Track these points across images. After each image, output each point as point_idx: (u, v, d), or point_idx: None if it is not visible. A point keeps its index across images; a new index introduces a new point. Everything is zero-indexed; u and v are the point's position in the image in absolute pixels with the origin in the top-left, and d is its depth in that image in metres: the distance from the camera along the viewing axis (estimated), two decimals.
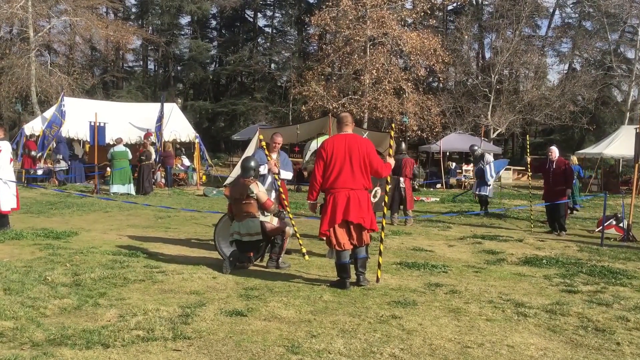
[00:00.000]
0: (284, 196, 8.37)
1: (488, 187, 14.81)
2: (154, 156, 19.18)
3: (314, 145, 25.21)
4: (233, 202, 7.37)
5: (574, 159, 20.15)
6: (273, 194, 8.33)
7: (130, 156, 17.98)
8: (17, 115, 35.69)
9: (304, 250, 8.01)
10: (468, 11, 37.64)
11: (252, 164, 7.43)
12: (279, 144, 8.56)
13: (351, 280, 6.28)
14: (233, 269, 7.03)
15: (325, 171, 6.22)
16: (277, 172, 8.28)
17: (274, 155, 8.41)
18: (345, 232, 6.17)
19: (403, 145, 12.98)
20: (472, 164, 23.56)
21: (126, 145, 18.80)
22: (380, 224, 6.79)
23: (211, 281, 6.46)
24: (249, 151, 22.77)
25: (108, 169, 20.48)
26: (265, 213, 7.40)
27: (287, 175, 8.76)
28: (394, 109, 28.63)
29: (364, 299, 5.88)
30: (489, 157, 15.24)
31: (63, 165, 19.79)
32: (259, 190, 7.24)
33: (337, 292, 6.10)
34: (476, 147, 16.26)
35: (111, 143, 19.77)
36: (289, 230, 7.45)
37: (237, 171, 22.79)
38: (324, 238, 6.33)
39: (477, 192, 15.21)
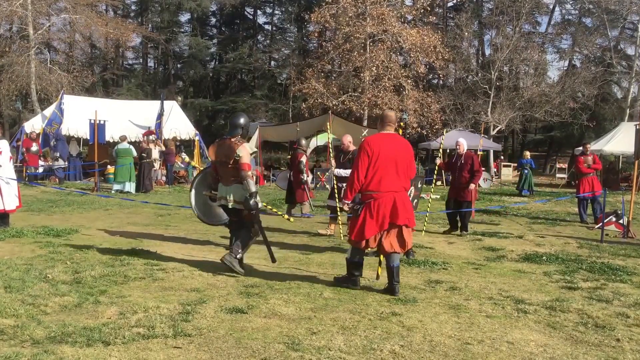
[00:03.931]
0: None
1: None
2: (154, 154, 19.19)
3: (314, 142, 25.24)
4: (218, 165, 6.76)
5: (527, 153, 22.60)
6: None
7: (134, 153, 18.02)
8: (17, 113, 35.70)
9: (287, 217, 8.52)
10: (468, 8, 37.59)
11: (242, 120, 6.80)
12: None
13: (384, 288, 6.03)
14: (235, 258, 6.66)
15: (369, 173, 5.83)
16: None
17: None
18: (388, 235, 5.86)
19: None
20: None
21: (130, 143, 18.81)
22: None
23: (211, 278, 6.46)
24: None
25: (109, 166, 20.52)
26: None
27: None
28: (394, 106, 28.60)
29: (364, 296, 5.89)
30: None
31: (61, 163, 19.81)
32: (245, 152, 6.58)
33: (338, 290, 6.11)
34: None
35: (111, 141, 19.81)
36: (256, 228, 6.88)
37: None
38: (363, 243, 5.92)
39: None
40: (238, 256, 6.62)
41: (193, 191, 7.33)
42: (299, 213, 12.37)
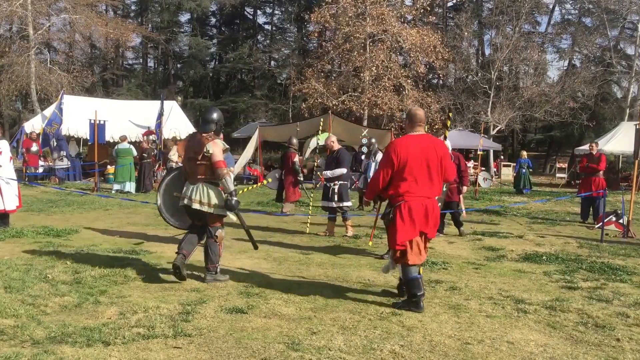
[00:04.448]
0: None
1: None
2: (154, 152, 19.19)
3: (314, 142, 25.22)
4: (187, 161, 6.32)
5: (524, 153, 22.99)
6: None
7: (135, 153, 18.02)
8: (17, 113, 35.72)
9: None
10: (468, 8, 37.59)
11: (215, 116, 6.30)
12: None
13: (403, 302, 5.49)
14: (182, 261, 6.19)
15: (396, 177, 5.43)
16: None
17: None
18: (420, 244, 5.47)
19: None
20: (476, 162, 23.69)
21: (130, 143, 18.80)
22: None
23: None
24: (249, 149, 22.84)
25: (109, 166, 20.51)
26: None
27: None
28: (394, 106, 28.63)
29: (364, 296, 5.89)
30: (380, 156, 14.89)
31: (65, 162, 19.81)
32: (216, 148, 6.09)
33: (337, 289, 6.11)
34: (374, 140, 15.44)
35: (111, 141, 19.79)
36: (221, 233, 6.43)
37: (237, 168, 22.89)
38: (397, 252, 5.47)
39: (364, 189, 14.60)
40: (217, 270, 6.31)
41: (162, 191, 6.79)
42: (279, 212, 12.52)
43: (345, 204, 10.02)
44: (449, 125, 6.41)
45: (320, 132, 12.78)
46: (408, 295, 5.50)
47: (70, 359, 3.99)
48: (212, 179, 6.14)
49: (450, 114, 6.78)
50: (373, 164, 14.14)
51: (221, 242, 6.41)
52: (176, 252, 6.22)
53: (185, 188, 6.27)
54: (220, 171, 6.04)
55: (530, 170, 22.80)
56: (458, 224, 10.54)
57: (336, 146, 10.28)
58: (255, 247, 6.93)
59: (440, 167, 5.44)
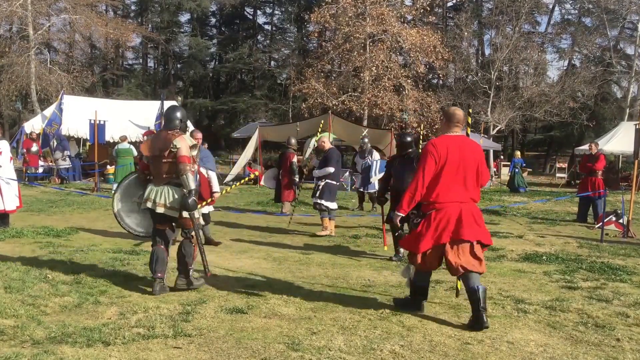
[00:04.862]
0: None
1: (373, 184, 14.05)
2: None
3: (314, 142, 25.22)
4: (152, 161, 5.88)
5: (517, 153, 23.67)
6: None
7: (135, 153, 18.01)
8: (17, 114, 35.71)
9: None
10: (467, 8, 37.57)
11: (179, 113, 5.99)
12: (199, 138, 8.43)
13: (469, 321, 5.07)
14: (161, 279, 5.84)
15: (431, 179, 5.09)
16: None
17: (194, 152, 8.30)
18: (453, 251, 5.06)
19: (408, 138, 9.48)
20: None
21: (130, 143, 18.80)
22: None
23: (211, 278, 6.45)
24: (249, 149, 22.85)
25: (108, 166, 20.50)
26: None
27: (211, 174, 8.52)
28: (394, 106, 28.62)
29: (364, 296, 5.89)
30: (377, 155, 14.83)
31: (67, 162, 19.80)
32: (183, 143, 5.75)
33: (338, 289, 6.12)
34: (367, 140, 15.53)
35: (111, 141, 19.78)
36: (195, 235, 6.04)
37: (237, 168, 22.92)
38: (418, 258, 5.14)
39: (363, 190, 14.51)
40: (190, 272, 5.89)
41: (118, 196, 6.31)
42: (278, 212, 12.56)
43: (325, 202, 10.01)
44: (469, 122, 6.15)
45: (319, 132, 12.78)
46: (412, 295, 5.42)
47: (70, 359, 3.99)
48: (177, 178, 5.76)
49: (470, 110, 6.59)
50: (375, 164, 14.14)
51: (195, 245, 5.96)
52: (152, 277, 5.85)
53: (148, 190, 5.85)
54: (183, 166, 5.65)
55: (524, 169, 23.47)
56: None
57: (327, 146, 10.35)
58: (206, 273, 5.98)
59: (476, 171, 5.12)
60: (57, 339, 4.37)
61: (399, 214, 5.25)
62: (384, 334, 4.69)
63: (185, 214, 5.78)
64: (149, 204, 5.78)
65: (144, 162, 6.07)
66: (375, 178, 13.82)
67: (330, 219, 10.16)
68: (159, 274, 5.80)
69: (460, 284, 5.52)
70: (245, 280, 6.42)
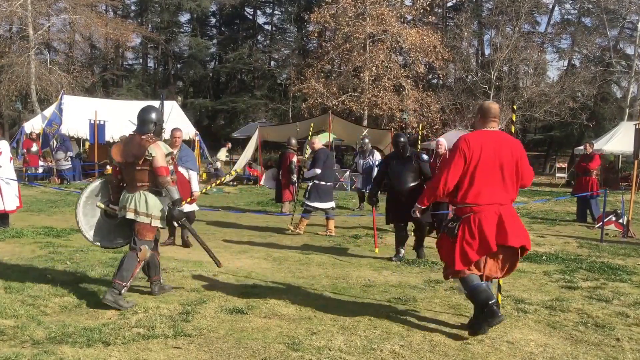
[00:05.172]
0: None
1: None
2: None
3: None
4: (124, 167, 5.48)
5: None
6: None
7: None
8: (17, 114, 35.71)
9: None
10: (467, 8, 37.56)
11: (154, 115, 5.59)
12: (179, 137, 8.46)
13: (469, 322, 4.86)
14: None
15: (463, 180, 4.65)
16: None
17: (175, 151, 8.14)
18: (495, 261, 4.68)
19: (402, 138, 8.64)
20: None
21: None
22: None
23: (211, 279, 6.47)
24: (249, 149, 22.85)
25: (108, 167, 20.49)
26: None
27: (192, 174, 8.42)
28: (394, 106, 28.64)
29: (364, 295, 5.89)
30: (378, 156, 14.81)
31: (69, 162, 19.79)
32: (159, 151, 5.34)
33: (337, 289, 6.12)
34: (367, 140, 15.58)
35: (111, 141, 19.76)
36: (146, 251, 5.44)
37: (237, 169, 22.92)
38: (468, 269, 4.63)
39: (364, 190, 14.36)
40: (123, 290, 5.27)
41: (81, 203, 5.69)
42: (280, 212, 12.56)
43: (311, 203, 10.08)
44: (514, 119, 5.90)
45: (310, 134, 12.83)
46: (476, 307, 4.70)
47: (70, 359, 4.00)
48: (154, 186, 5.40)
49: (515, 106, 6.38)
50: (376, 164, 14.10)
51: (141, 261, 5.41)
52: (147, 280, 5.75)
53: (121, 197, 5.48)
54: (162, 179, 5.30)
55: None
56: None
57: (317, 146, 10.42)
58: (218, 265, 5.97)
59: (515, 170, 4.68)
60: (57, 339, 4.37)
61: (419, 206, 5.02)
62: (384, 334, 4.69)
63: (143, 219, 5.35)
64: (122, 212, 5.42)
65: (116, 168, 5.64)
66: None
67: (328, 219, 10.18)
68: (154, 277, 5.78)
69: (501, 298, 5.30)
70: (245, 280, 6.42)
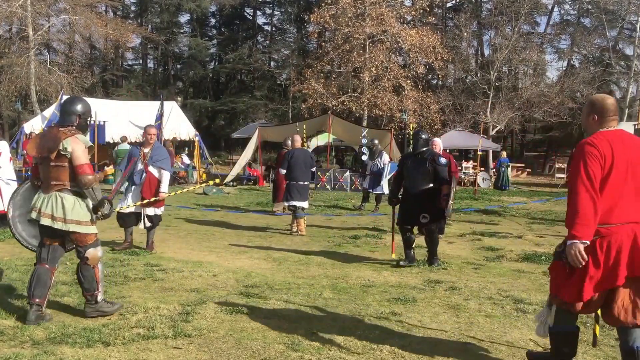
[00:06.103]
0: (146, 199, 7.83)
1: (382, 186, 14.08)
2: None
3: (314, 143, 25.24)
4: (40, 162, 4.85)
5: (503, 153, 24.95)
6: (133, 189, 7.99)
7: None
8: (17, 114, 35.71)
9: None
10: (467, 8, 37.57)
11: (79, 107, 4.87)
12: (153, 135, 8.33)
13: None
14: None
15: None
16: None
17: (146, 150, 8.13)
18: (622, 294, 3.58)
19: (423, 136, 8.05)
20: (475, 162, 23.92)
21: (130, 143, 18.82)
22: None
23: (211, 279, 6.47)
24: (249, 149, 22.86)
25: (107, 167, 20.52)
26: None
27: (164, 173, 8.10)
28: (394, 107, 28.66)
29: (363, 296, 5.90)
30: (387, 158, 14.90)
31: None
32: (77, 146, 4.69)
33: (338, 289, 6.12)
34: (376, 141, 15.75)
35: (111, 142, 19.78)
36: (95, 252, 4.91)
37: (237, 169, 22.93)
38: (579, 305, 3.70)
39: (371, 190, 14.59)
40: (99, 298, 4.94)
41: (15, 221, 5.23)
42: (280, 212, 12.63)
43: (287, 202, 10.31)
44: None
45: (305, 136, 12.95)
46: (553, 347, 3.90)
47: (70, 359, 4.00)
48: (72, 186, 4.75)
49: None
50: (387, 167, 14.12)
51: (97, 264, 4.94)
52: (28, 303, 4.80)
53: (35, 198, 4.85)
54: (84, 178, 4.67)
55: (509, 167, 24.56)
56: (441, 229, 10.14)
57: (290, 147, 10.54)
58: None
59: None
60: (57, 339, 4.37)
61: (584, 242, 3.53)
62: (383, 334, 4.69)
63: (76, 227, 4.77)
64: (34, 214, 4.77)
65: (35, 164, 5.03)
66: (385, 180, 13.91)
67: (297, 218, 10.20)
68: (37, 299, 4.71)
69: (598, 329, 4.14)
70: (245, 281, 6.42)
